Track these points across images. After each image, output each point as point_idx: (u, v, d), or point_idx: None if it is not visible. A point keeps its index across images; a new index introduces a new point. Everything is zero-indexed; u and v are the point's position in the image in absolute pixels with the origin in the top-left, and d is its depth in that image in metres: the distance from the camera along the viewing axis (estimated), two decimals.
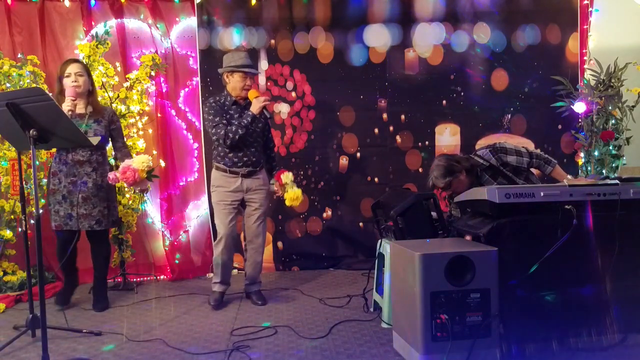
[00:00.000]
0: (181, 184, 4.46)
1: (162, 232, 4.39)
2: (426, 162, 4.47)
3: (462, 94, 4.55)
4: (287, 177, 3.62)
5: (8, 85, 3.81)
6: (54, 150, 3.53)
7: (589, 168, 4.39)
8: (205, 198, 4.44)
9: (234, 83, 3.45)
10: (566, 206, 2.42)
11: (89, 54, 3.95)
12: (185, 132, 4.46)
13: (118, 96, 4.07)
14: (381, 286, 3.20)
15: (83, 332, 3.02)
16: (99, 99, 3.67)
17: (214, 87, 4.30)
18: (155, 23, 4.33)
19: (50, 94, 2.70)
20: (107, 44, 4.06)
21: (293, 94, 4.50)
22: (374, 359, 2.59)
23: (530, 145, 4.47)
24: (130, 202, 4.12)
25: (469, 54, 4.52)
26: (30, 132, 2.41)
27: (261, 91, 4.37)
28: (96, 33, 4.12)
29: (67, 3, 4.22)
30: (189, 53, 4.43)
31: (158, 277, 4.37)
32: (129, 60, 4.32)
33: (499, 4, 4.49)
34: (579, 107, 4.31)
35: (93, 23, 4.26)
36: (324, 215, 4.59)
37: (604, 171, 4.29)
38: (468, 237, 2.63)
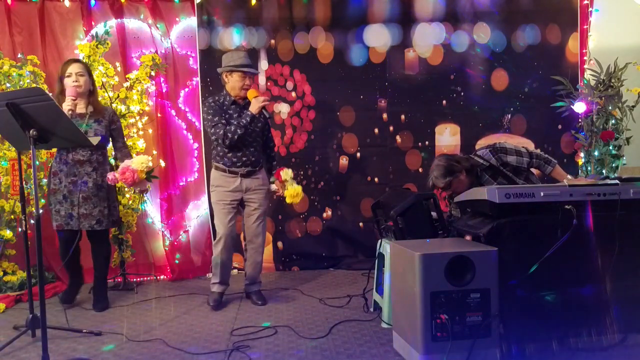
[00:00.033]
0: (181, 184, 4.46)
1: (162, 232, 4.39)
2: (426, 162, 4.47)
3: (462, 94, 4.54)
4: (286, 173, 3.61)
5: (8, 85, 3.82)
6: (54, 150, 3.53)
7: (589, 168, 4.39)
8: (205, 198, 4.43)
9: (232, 83, 3.45)
10: (566, 206, 2.42)
11: (89, 54, 3.95)
12: (185, 132, 4.46)
13: (118, 96, 4.07)
14: (381, 286, 3.20)
15: (83, 332, 3.02)
16: (99, 99, 3.66)
17: (214, 87, 4.30)
18: (155, 23, 4.33)
19: (51, 94, 2.70)
20: (107, 44, 4.06)
21: (293, 94, 4.50)
22: (374, 359, 2.59)
23: (530, 145, 4.47)
24: (130, 202, 4.12)
25: (469, 54, 4.52)
26: (30, 132, 2.41)
27: (261, 91, 4.37)
28: (96, 33, 4.12)
29: (67, 3, 4.22)
30: (189, 53, 4.43)
31: (158, 277, 4.37)
32: (129, 60, 4.32)
33: (499, 4, 4.49)
34: (579, 107, 4.31)
35: (93, 23, 4.26)
36: (324, 215, 4.59)
37: (604, 171, 4.28)
38: (468, 237, 2.63)
